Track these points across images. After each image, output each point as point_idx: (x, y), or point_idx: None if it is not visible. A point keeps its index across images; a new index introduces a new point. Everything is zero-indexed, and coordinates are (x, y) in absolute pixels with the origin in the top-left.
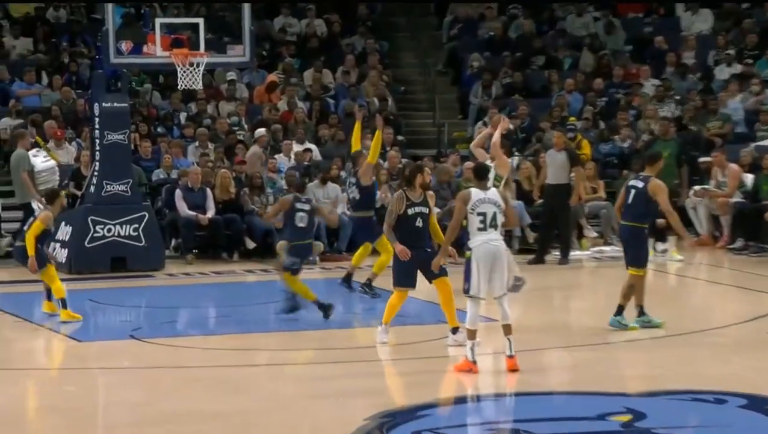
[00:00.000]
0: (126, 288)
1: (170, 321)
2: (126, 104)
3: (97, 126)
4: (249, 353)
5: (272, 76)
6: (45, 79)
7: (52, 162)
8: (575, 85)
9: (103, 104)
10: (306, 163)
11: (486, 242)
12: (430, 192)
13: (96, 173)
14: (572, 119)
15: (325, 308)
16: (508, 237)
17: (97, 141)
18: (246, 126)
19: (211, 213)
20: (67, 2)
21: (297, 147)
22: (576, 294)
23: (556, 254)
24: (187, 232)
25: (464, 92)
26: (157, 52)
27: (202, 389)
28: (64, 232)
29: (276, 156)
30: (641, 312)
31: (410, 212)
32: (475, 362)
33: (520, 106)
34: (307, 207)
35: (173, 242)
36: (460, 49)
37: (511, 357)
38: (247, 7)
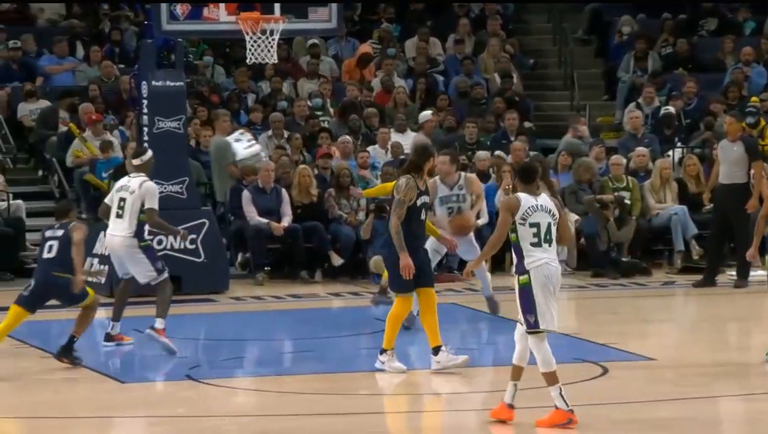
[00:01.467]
0: (181, 315)
1: (236, 357)
2: (181, 83)
3: (145, 110)
4: (335, 398)
5: (365, 47)
6: (80, 52)
7: (257, 147)
8: (757, 56)
9: (153, 83)
10: (402, 156)
11: (547, 263)
12: (431, 180)
13: None
14: (754, 99)
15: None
16: (667, 252)
17: (146, 129)
18: (332, 110)
19: (287, 221)
20: None
21: (396, 136)
22: (756, 326)
23: (731, 274)
24: (257, 244)
25: (611, 66)
26: (220, 16)
27: None
28: (104, 245)
29: (369, 148)
30: None
31: (419, 202)
32: (572, 410)
33: (686, 83)
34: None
35: (240, 257)
36: (606, 11)
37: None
38: None
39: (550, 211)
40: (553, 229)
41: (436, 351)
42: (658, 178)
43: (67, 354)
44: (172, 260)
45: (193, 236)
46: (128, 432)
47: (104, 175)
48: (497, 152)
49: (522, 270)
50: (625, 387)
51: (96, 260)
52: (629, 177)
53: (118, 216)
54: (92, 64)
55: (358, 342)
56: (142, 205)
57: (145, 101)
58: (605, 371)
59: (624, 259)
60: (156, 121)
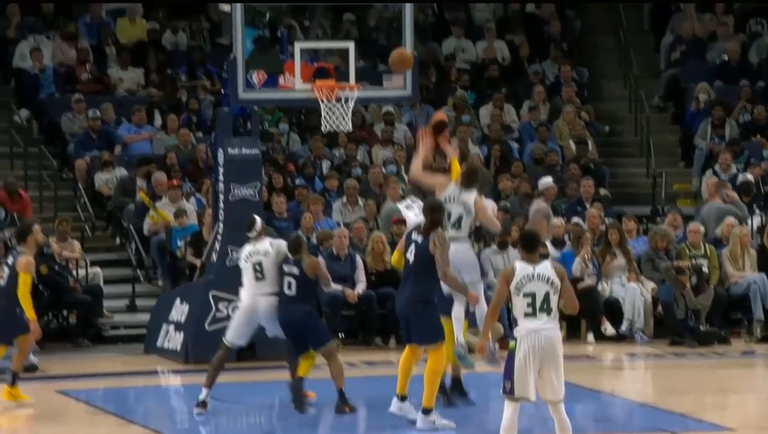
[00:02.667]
0: (255, 382)
1: (311, 425)
2: (257, 150)
3: (221, 178)
4: None
5: (440, 114)
6: (158, 120)
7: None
8: None
9: (229, 150)
10: (477, 223)
11: (535, 332)
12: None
13: (219, 237)
14: None
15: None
16: (746, 321)
17: (221, 196)
18: (406, 177)
19: (361, 287)
20: (187, 21)
21: None
22: None
23: None
24: (331, 311)
25: (688, 133)
26: (296, 84)
27: None
28: (180, 311)
29: None
30: None
31: None
32: None
33: (764, 150)
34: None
35: None
36: (684, 78)
37: None
38: (408, 27)
39: (548, 280)
40: (552, 298)
41: (403, 398)
42: (737, 246)
43: None
44: None
45: None
46: None
47: (179, 243)
48: (574, 219)
49: (513, 336)
50: None
51: (172, 327)
52: (707, 245)
53: (258, 279)
54: (170, 133)
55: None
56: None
57: (221, 169)
58: None
59: (702, 328)
60: (232, 188)
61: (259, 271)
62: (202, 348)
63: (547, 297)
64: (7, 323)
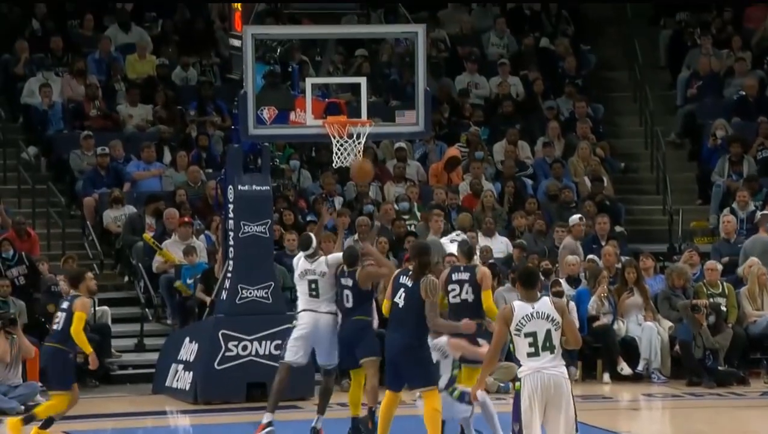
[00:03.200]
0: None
1: None
2: (268, 187)
3: (231, 215)
4: None
5: (453, 150)
6: (167, 156)
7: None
8: None
9: (240, 187)
10: (491, 261)
11: (538, 371)
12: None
13: (229, 275)
14: None
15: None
16: (765, 361)
17: (231, 234)
18: (419, 213)
19: (374, 325)
20: (197, 56)
21: (484, 241)
22: None
23: None
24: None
25: (705, 170)
26: (307, 120)
27: None
28: (189, 350)
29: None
30: None
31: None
32: None
33: None
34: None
35: None
36: (701, 114)
37: None
38: (421, 63)
39: (549, 317)
40: (554, 335)
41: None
42: (755, 284)
43: None
44: (257, 366)
45: (279, 341)
46: None
47: (189, 281)
48: (590, 256)
49: (518, 377)
50: None
51: (181, 367)
52: (725, 283)
53: (312, 296)
54: (179, 169)
55: None
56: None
57: (231, 206)
58: None
59: (720, 368)
60: (242, 225)
61: (314, 289)
62: (212, 388)
63: (548, 335)
64: (67, 368)
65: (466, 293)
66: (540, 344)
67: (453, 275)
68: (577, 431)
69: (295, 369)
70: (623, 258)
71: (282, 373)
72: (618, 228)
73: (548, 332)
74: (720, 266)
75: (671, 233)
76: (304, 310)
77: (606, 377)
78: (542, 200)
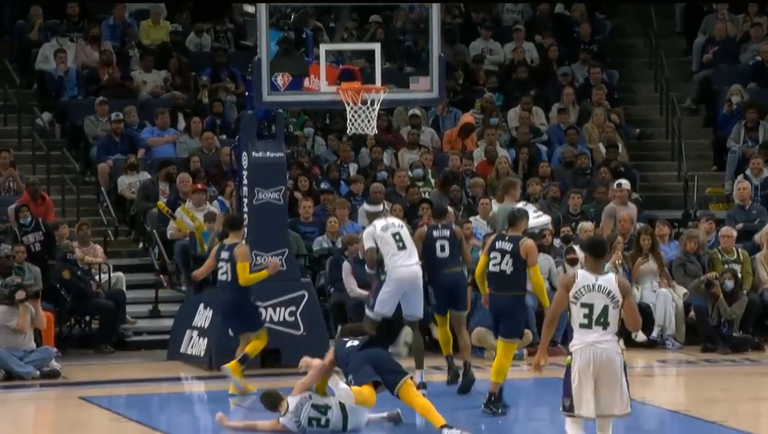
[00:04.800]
0: (281, 389)
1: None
2: (282, 154)
3: (245, 181)
4: None
5: (467, 117)
6: (181, 123)
7: (546, 217)
8: None
9: (254, 154)
10: (488, 231)
11: (591, 345)
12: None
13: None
14: None
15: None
16: None
17: (245, 200)
18: (433, 180)
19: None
20: (211, 23)
21: (497, 207)
22: None
23: None
24: (358, 317)
25: (720, 136)
26: (321, 87)
27: None
28: (203, 316)
29: (471, 219)
30: None
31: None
32: None
33: None
34: None
35: (339, 329)
36: (716, 80)
37: None
38: (435, 29)
39: (609, 293)
40: (612, 312)
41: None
42: None
43: None
44: (271, 332)
45: (293, 308)
46: None
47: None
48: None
49: (569, 350)
50: None
51: (195, 333)
52: (740, 249)
53: (400, 248)
54: (193, 136)
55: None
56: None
57: (245, 172)
58: None
59: (735, 334)
60: (256, 192)
61: (399, 241)
62: (226, 354)
63: (605, 310)
64: (248, 314)
65: (506, 264)
66: (594, 317)
67: (497, 243)
68: (630, 409)
69: (310, 337)
70: (638, 225)
71: (370, 326)
72: (634, 195)
73: (605, 307)
74: (735, 233)
75: (686, 199)
76: (392, 265)
77: (620, 344)
78: (557, 167)
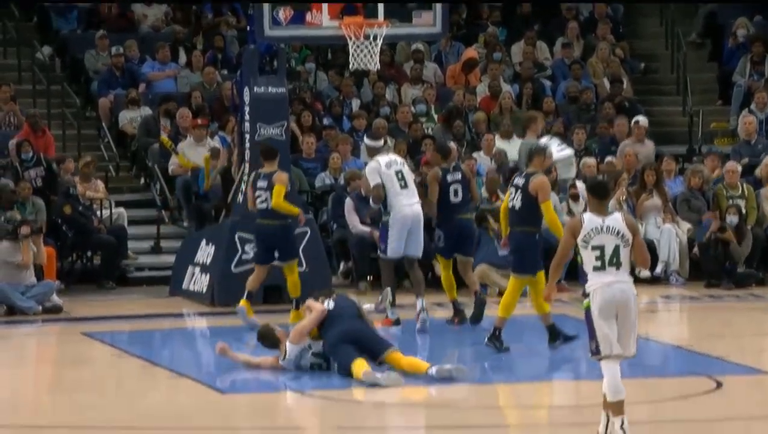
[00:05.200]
0: (282, 325)
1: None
2: (283, 89)
3: (247, 117)
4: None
5: (470, 52)
6: (182, 57)
7: (569, 150)
8: None
9: (255, 89)
10: (511, 165)
11: (609, 285)
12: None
13: (245, 178)
14: None
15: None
16: None
17: (247, 136)
18: (436, 116)
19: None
20: None
21: (501, 143)
22: None
23: None
24: (360, 253)
25: (726, 70)
26: (323, 21)
27: None
28: (205, 253)
29: (474, 154)
30: None
31: None
32: None
33: None
34: None
35: (342, 266)
36: (722, 13)
37: None
38: None
39: (618, 233)
40: (623, 251)
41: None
42: None
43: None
44: (274, 269)
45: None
46: None
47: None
48: (608, 158)
49: (585, 293)
50: (740, 402)
51: (197, 269)
52: (745, 185)
53: (402, 187)
54: (194, 70)
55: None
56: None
57: (247, 108)
58: (719, 385)
59: (739, 269)
60: (258, 127)
61: (401, 179)
62: (228, 291)
63: (616, 251)
64: (288, 241)
65: (516, 199)
66: (607, 258)
67: (515, 179)
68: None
69: (312, 274)
70: (642, 160)
71: (388, 269)
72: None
73: (616, 247)
74: (740, 168)
75: (691, 134)
76: (396, 205)
77: None
78: (561, 102)
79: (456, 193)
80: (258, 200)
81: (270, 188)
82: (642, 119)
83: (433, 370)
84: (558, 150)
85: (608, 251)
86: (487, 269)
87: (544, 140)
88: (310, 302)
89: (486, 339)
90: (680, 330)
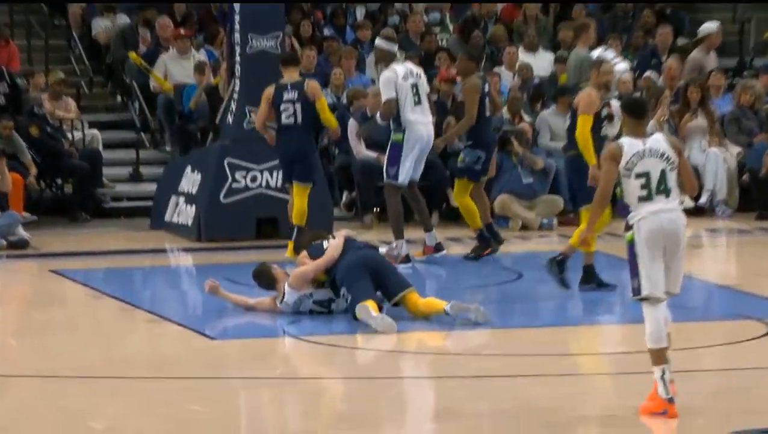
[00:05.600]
0: (278, 263)
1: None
2: None
3: (237, 27)
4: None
5: None
6: None
7: (625, 63)
8: None
9: None
10: (536, 81)
11: (656, 214)
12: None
13: (235, 96)
14: None
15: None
16: None
17: (238, 49)
18: (451, 26)
19: None
20: None
21: (525, 57)
22: None
23: None
24: (365, 182)
25: None
26: None
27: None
28: (191, 181)
29: (495, 69)
30: None
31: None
32: (671, 399)
33: None
34: None
35: (345, 196)
36: None
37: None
38: None
39: (663, 155)
40: (670, 176)
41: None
42: None
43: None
44: (267, 199)
45: None
46: (220, 394)
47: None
48: (646, 73)
49: (627, 226)
50: None
51: (182, 199)
52: None
53: (416, 103)
54: None
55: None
56: None
57: (237, 17)
58: None
59: None
60: (250, 39)
61: (416, 94)
62: (217, 223)
63: (663, 176)
64: (310, 161)
65: (569, 119)
66: (654, 186)
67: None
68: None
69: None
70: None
71: (396, 196)
72: (681, 40)
73: (663, 172)
74: None
75: (741, 45)
76: (410, 123)
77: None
78: (593, 10)
79: (488, 106)
80: (284, 115)
81: (302, 100)
82: (712, 26)
83: (449, 307)
84: (616, 62)
85: (654, 177)
86: (508, 199)
87: (599, 51)
88: (302, 256)
89: (547, 260)
90: (726, 267)
